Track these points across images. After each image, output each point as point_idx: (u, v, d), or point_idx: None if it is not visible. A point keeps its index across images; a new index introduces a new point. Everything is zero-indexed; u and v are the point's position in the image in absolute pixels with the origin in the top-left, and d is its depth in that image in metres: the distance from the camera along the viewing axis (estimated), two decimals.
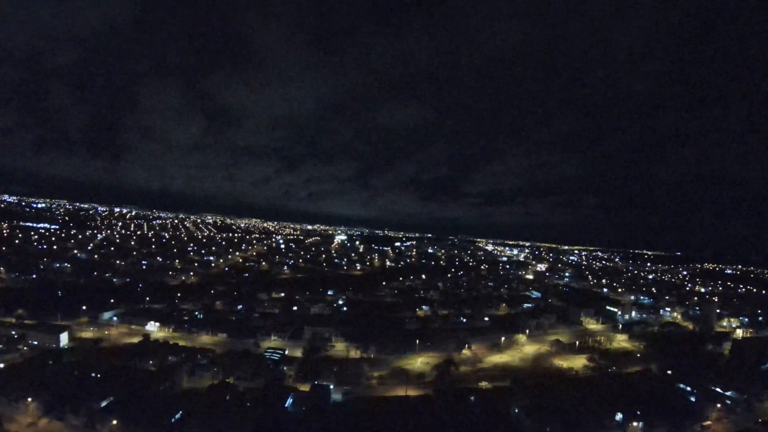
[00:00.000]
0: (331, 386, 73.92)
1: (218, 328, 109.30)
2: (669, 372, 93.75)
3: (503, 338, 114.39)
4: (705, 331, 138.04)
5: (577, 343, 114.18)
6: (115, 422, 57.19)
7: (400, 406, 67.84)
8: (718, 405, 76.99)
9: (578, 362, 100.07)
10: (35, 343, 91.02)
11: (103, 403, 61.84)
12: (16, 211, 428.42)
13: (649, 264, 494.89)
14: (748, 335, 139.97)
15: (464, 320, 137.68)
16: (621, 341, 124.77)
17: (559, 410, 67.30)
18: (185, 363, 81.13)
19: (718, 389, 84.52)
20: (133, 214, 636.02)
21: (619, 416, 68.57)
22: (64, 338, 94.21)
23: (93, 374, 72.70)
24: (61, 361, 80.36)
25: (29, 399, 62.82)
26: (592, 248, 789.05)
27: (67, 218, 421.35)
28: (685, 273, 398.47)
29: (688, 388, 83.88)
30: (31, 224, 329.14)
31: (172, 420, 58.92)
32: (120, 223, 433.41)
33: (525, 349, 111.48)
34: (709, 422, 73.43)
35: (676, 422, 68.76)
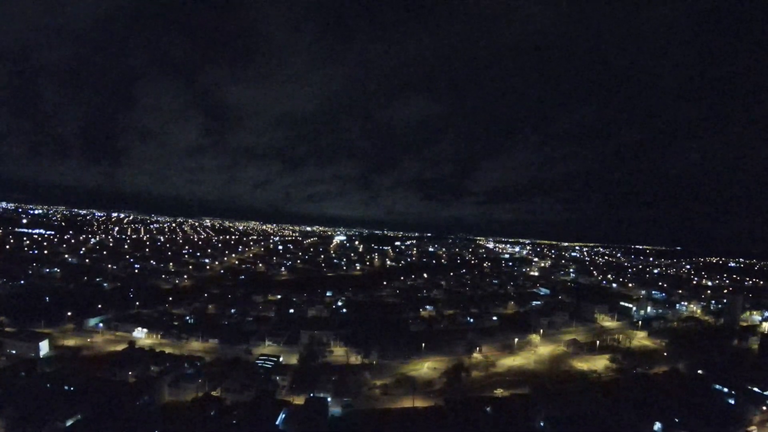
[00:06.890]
0: (329, 398, 65.94)
1: (209, 333, 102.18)
2: (700, 371, 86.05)
3: (515, 339, 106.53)
4: (730, 325, 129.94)
5: (597, 342, 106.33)
6: None
7: (406, 419, 59.95)
8: (764, 407, 69.20)
9: (599, 363, 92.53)
10: (14, 351, 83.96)
11: (69, 422, 54.17)
12: (12, 218, 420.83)
13: (651, 259, 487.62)
14: None
15: (471, 320, 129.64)
16: (641, 339, 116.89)
17: (589, 420, 59.34)
18: (169, 373, 73.46)
19: (756, 389, 76.72)
20: (131, 218, 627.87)
21: (657, 426, 60.59)
22: (44, 347, 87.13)
23: (66, 387, 65.56)
24: (35, 371, 73.55)
25: None
26: (591, 244, 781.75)
27: (63, 224, 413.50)
28: (688, 267, 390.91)
29: (725, 389, 76.11)
30: (26, 230, 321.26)
31: None
32: (116, 228, 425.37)
33: (539, 350, 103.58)
34: (753, 427, 65.77)
35: (720, 429, 61.00)
